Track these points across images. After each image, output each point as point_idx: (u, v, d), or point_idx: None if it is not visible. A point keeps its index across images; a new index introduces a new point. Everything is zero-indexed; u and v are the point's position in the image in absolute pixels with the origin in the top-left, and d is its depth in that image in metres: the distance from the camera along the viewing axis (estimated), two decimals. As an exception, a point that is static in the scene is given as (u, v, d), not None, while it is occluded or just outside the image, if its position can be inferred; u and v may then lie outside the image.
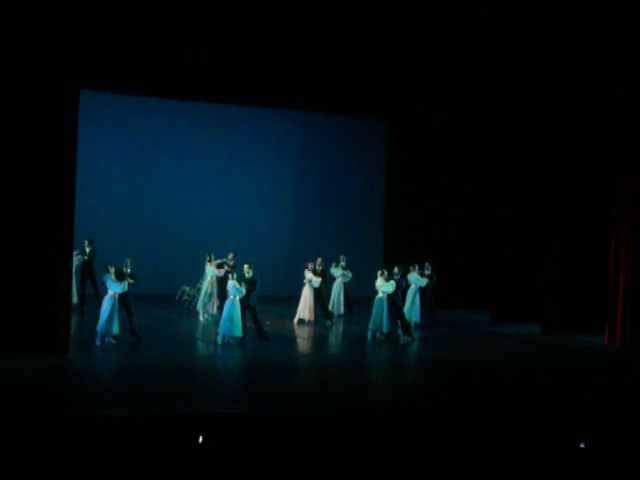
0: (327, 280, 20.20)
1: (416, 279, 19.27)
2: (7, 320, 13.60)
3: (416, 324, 19.19)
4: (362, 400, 12.08)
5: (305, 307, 19.44)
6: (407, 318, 18.48)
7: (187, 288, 21.12)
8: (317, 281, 19.51)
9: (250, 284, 16.24)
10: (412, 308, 19.25)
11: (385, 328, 17.27)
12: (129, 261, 15.98)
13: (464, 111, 21.70)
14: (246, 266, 16.57)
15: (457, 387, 13.19)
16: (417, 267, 19.44)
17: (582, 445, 9.66)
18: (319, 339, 18.21)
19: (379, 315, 17.25)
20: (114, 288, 15.36)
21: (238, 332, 16.06)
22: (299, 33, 17.19)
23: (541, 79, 18.83)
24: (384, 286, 17.28)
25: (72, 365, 13.74)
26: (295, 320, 19.40)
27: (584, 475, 9.29)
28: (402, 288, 18.05)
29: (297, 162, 25.17)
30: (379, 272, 17.63)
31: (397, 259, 19.69)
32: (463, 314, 21.55)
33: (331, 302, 20.77)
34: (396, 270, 17.70)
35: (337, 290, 20.91)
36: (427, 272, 19.55)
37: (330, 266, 20.69)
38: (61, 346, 14.01)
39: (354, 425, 10.32)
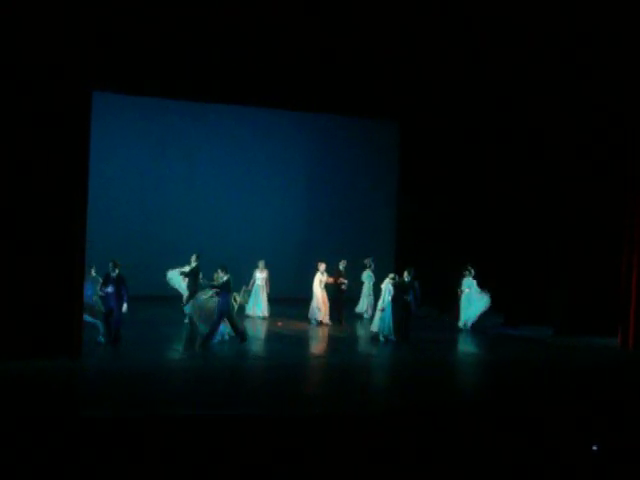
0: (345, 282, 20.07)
1: (470, 283, 19.49)
2: (19, 322, 13.62)
3: (471, 325, 19.50)
4: (358, 401, 12.03)
5: (322, 308, 19.50)
6: (465, 319, 19.23)
7: (235, 293, 20.88)
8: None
9: (221, 288, 16.00)
10: (469, 310, 19.49)
11: (392, 330, 17.25)
12: (112, 264, 15.66)
13: (477, 112, 21.64)
14: (220, 270, 16.25)
15: (464, 388, 13.14)
16: (472, 271, 19.59)
17: (595, 448, 9.61)
18: (328, 341, 18.14)
19: (386, 317, 17.27)
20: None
21: (229, 330, 16.24)
22: (311, 34, 17.16)
23: (555, 81, 18.75)
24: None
25: (84, 367, 13.75)
26: (320, 321, 19.44)
27: (597, 478, 9.24)
28: (415, 290, 18.00)
29: (309, 163, 25.19)
30: (390, 275, 17.63)
31: (408, 261, 19.67)
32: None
33: (359, 304, 20.85)
34: (406, 273, 17.70)
35: (367, 293, 20.89)
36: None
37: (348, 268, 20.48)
38: (73, 348, 14.02)
39: (352, 428, 10.30)
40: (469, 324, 19.59)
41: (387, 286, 17.46)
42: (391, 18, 16.40)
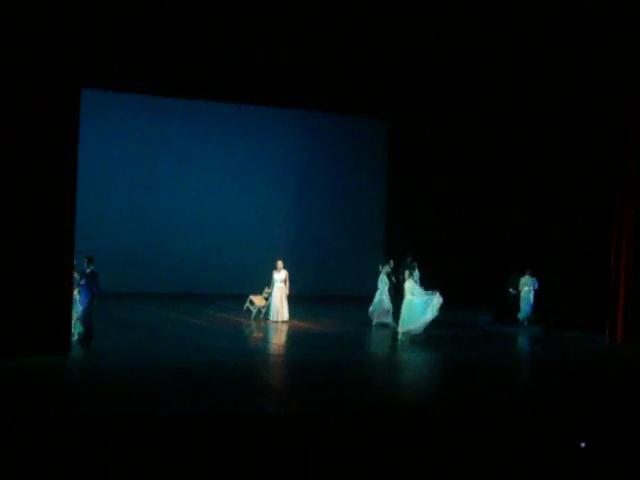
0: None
1: (533, 282, 19.92)
2: (9, 318, 13.58)
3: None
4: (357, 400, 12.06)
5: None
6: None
7: (252, 296, 19.94)
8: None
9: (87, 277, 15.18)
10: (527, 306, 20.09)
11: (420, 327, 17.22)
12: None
13: (465, 110, 21.68)
14: (86, 259, 15.33)
15: (456, 387, 13.19)
16: (529, 271, 19.91)
17: (583, 444, 9.65)
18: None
19: (409, 316, 17.12)
20: None
21: (79, 328, 15.38)
22: (302, 32, 17.18)
23: (543, 77, 18.79)
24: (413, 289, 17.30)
25: (74, 363, 13.73)
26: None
27: (585, 475, 9.28)
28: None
29: (299, 160, 25.20)
30: (407, 273, 17.52)
31: (399, 258, 19.64)
32: (465, 314, 21.55)
33: None
34: (416, 270, 17.95)
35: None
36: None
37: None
38: (63, 344, 14.00)
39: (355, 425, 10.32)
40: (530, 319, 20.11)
41: (412, 284, 17.30)
42: (382, 17, 16.43)
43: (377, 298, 18.94)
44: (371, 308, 19.03)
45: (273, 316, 18.96)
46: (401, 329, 17.16)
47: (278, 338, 17.72)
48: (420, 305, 17.06)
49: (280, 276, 19.00)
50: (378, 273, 19.15)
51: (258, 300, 19.55)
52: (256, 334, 18.21)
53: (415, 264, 18.74)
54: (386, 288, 18.94)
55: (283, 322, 18.89)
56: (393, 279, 19.13)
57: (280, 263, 19.16)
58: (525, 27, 17.05)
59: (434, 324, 19.61)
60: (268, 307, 19.19)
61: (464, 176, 22.49)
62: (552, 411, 11.39)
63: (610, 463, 9.38)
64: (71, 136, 14.11)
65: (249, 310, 19.68)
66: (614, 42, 16.91)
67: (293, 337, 17.73)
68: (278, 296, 18.93)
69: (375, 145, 25.25)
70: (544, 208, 19.57)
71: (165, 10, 15.80)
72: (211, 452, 9.09)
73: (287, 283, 19.03)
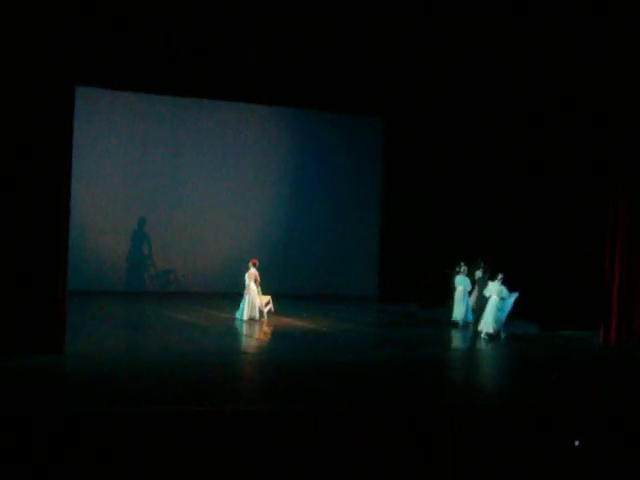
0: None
1: None
2: (2, 317, 13.55)
3: None
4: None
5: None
6: None
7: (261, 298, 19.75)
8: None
9: None
10: None
11: (492, 328, 17.51)
12: None
13: (463, 109, 21.68)
14: None
15: (451, 385, 13.20)
16: None
17: (577, 443, 9.67)
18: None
19: (490, 316, 17.49)
20: None
21: None
22: (296, 30, 17.18)
23: (540, 78, 18.81)
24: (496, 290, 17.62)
25: (69, 363, 13.69)
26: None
27: (579, 473, 9.31)
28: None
29: (293, 158, 25.21)
30: (485, 275, 18.07)
31: (396, 258, 19.64)
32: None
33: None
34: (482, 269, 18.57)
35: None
36: None
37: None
38: (57, 344, 13.97)
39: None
40: None
41: (497, 286, 17.56)
42: (376, 15, 16.45)
43: (463, 301, 19.29)
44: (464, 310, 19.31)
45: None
46: (494, 329, 17.55)
47: (271, 336, 17.76)
48: (508, 305, 17.67)
49: (246, 274, 19.04)
50: (455, 274, 19.38)
51: (263, 300, 19.55)
52: (255, 334, 18.25)
53: (488, 268, 18.85)
54: (464, 289, 19.29)
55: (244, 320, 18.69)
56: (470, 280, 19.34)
57: (250, 262, 19.07)
58: (523, 26, 17.07)
59: (428, 324, 19.74)
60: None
61: (460, 176, 22.48)
62: (545, 409, 11.43)
63: (604, 461, 9.41)
64: (65, 134, 14.07)
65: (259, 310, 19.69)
66: (614, 42, 16.93)
67: (285, 335, 17.76)
68: (247, 295, 18.90)
69: (370, 144, 25.25)
70: (540, 207, 19.58)
71: (160, 7, 15.79)
72: (210, 451, 9.09)
73: (249, 281, 18.95)
